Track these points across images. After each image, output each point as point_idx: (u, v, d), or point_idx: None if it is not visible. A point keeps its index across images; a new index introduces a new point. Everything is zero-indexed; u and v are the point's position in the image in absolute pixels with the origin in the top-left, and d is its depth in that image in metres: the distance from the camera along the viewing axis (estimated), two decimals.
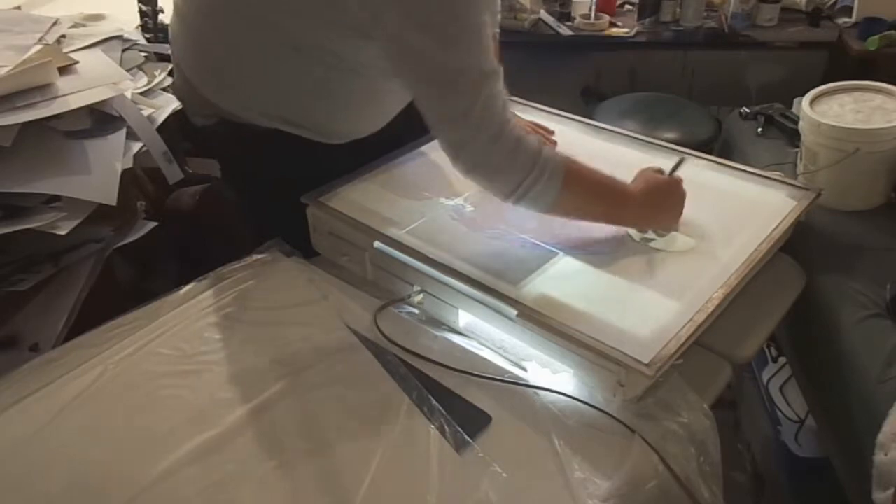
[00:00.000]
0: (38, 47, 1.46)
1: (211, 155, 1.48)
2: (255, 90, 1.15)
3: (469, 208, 1.19)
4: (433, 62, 0.94)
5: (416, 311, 1.08)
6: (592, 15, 2.24)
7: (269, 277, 1.14)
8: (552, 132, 1.40)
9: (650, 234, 1.10)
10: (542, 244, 1.09)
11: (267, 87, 1.14)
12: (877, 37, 2.00)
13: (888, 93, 1.36)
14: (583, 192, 1.03)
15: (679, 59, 2.25)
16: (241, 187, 1.35)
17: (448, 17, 0.92)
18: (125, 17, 1.84)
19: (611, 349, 0.88)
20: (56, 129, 1.36)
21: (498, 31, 1.14)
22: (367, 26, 0.97)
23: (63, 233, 1.25)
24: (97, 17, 1.80)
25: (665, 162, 1.30)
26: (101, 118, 1.43)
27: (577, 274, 1.04)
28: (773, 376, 1.64)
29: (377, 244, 1.11)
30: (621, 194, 1.07)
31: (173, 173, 1.53)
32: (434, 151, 1.35)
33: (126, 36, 1.72)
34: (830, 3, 2.29)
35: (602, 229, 1.13)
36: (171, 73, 1.62)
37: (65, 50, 1.54)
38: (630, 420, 0.89)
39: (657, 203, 1.09)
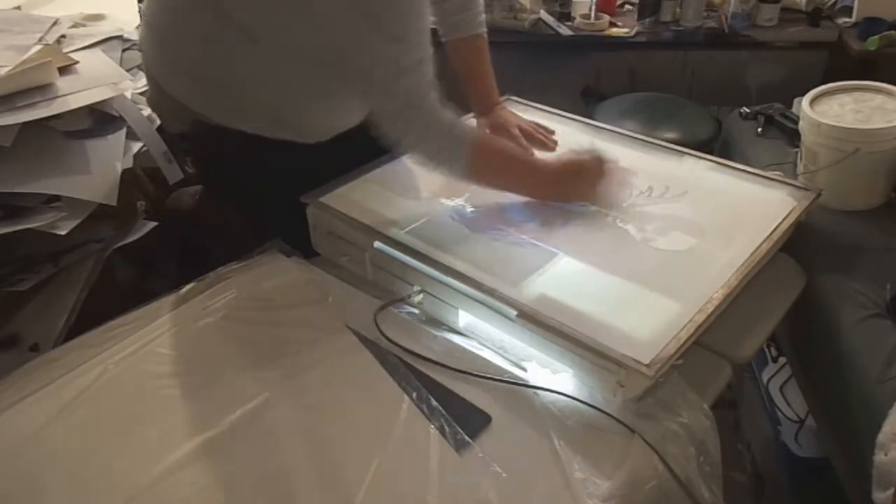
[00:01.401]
0: (39, 47, 1.46)
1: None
2: (223, 87, 1.16)
3: (469, 208, 1.19)
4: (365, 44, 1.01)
5: (417, 311, 1.08)
6: (592, 15, 2.23)
7: (269, 277, 1.14)
8: (553, 132, 1.40)
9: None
10: (542, 244, 1.09)
11: (234, 84, 1.15)
12: (877, 37, 2.00)
13: (888, 93, 1.36)
14: (493, 164, 1.16)
15: (679, 59, 2.24)
16: (221, 190, 1.38)
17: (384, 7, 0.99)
18: (125, 17, 1.84)
19: (611, 350, 0.88)
20: (56, 129, 1.36)
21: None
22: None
23: (63, 233, 1.25)
24: (97, 17, 1.80)
25: (666, 163, 1.30)
26: (101, 118, 1.43)
27: (577, 274, 1.04)
28: (773, 376, 1.63)
29: (377, 244, 1.11)
30: (532, 168, 1.20)
31: (173, 173, 1.53)
32: None
33: (126, 36, 1.71)
34: (830, 3, 2.29)
35: (602, 230, 1.13)
36: None
37: (65, 50, 1.54)
38: (630, 420, 0.89)
39: (568, 180, 1.19)
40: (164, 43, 1.19)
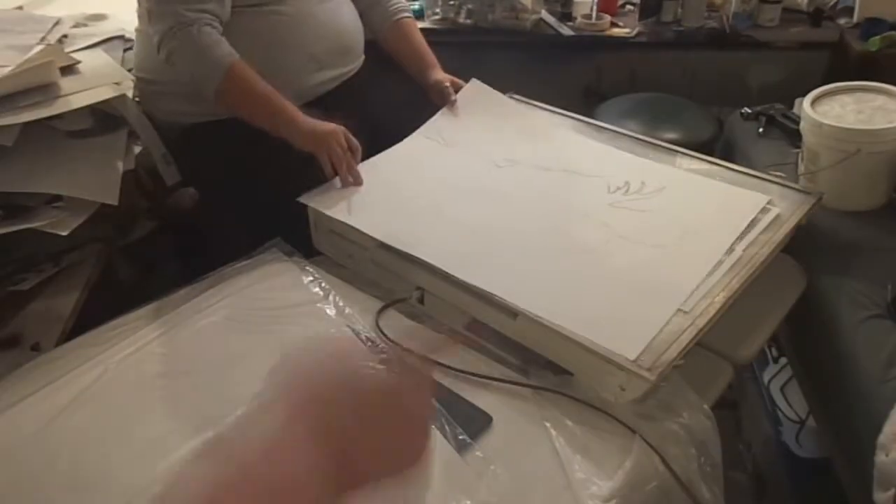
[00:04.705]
0: (40, 47, 1.46)
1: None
2: (145, 78, 1.40)
3: (472, 209, 1.18)
4: None
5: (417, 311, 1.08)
6: (594, 15, 2.23)
7: (270, 277, 1.14)
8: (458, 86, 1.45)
9: None
10: (543, 245, 1.09)
11: (150, 70, 1.38)
12: (878, 37, 1.99)
13: (889, 93, 1.36)
14: (242, 90, 1.24)
15: (680, 60, 2.24)
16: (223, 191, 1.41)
17: None
18: (127, 16, 1.83)
19: (612, 353, 0.88)
20: (58, 128, 1.36)
21: None
22: None
23: (64, 232, 1.25)
24: (99, 17, 1.80)
25: (666, 163, 1.30)
26: (102, 118, 1.43)
27: (580, 276, 1.04)
28: (774, 377, 1.63)
29: (379, 244, 1.11)
30: (278, 112, 1.24)
31: (171, 175, 1.53)
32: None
33: (127, 36, 1.71)
34: (832, 3, 2.29)
35: (604, 232, 1.13)
36: None
37: (66, 50, 1.54)
38: (631, 420, 0.89)
39: (320, 141, 1.23)
40: None
